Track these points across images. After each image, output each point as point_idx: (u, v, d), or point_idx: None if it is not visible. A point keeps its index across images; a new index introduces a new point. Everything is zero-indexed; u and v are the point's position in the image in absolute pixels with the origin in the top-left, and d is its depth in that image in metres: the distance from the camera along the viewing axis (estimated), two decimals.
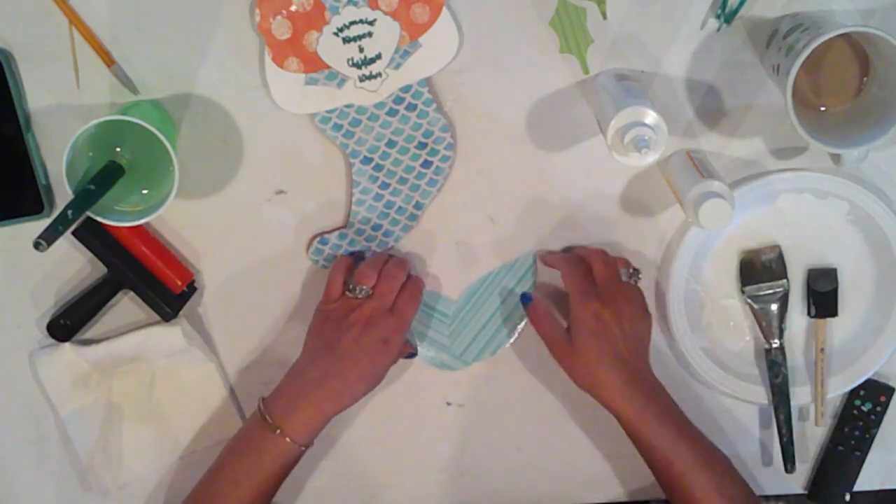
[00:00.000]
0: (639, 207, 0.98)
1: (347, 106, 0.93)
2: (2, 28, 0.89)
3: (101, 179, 0.84)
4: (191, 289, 0.97)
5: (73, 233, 0.93)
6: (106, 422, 0.99)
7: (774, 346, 0.99)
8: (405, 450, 1.04)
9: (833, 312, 1.00)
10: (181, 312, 0.97)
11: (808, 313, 1.01)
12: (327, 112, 0.93)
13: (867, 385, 1.02)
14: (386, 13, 0.89)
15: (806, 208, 0.97)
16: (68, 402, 0.98)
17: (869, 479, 1.05)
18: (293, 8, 0.88)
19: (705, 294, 1.00)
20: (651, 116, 0.83)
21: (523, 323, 0.99)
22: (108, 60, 0.90)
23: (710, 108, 0.95)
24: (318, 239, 0.97)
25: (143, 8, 0.90)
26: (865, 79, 0.90)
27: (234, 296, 0.99)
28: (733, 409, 1.04)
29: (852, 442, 1.03)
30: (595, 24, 0.92)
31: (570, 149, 0.96)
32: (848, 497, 1.05)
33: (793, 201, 0.97)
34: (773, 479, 1.05)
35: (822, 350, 1.00)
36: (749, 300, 0.99)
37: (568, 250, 0.98)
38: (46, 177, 0.93)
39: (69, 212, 0.81)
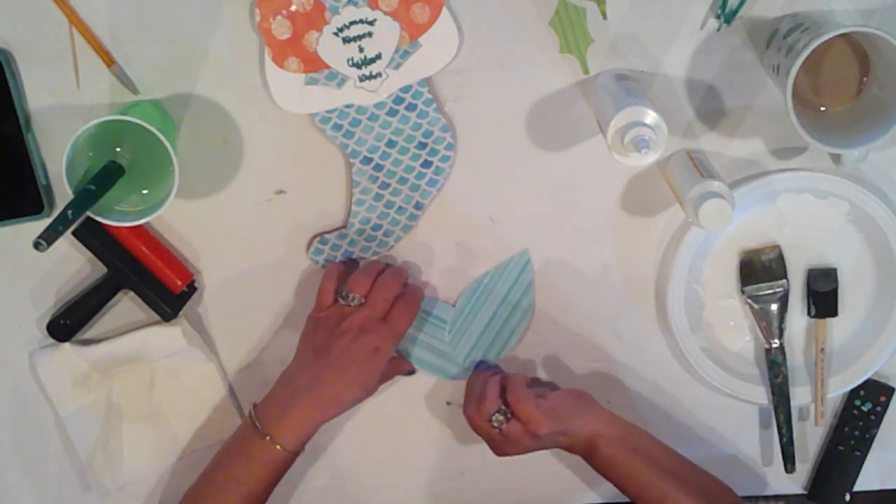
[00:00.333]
0: (639, 207, 0.98)
1: (347, 106, 0.93)
2: (2, 28, 0.89)
3: (101, 179, 0.84)
4: (191, 289, 0.97)
5: (73, 233, 0.93)
6: (106, 422, 0.99)
7: (774, 346, 0.99)
8: (405, 449, 1.04)
9: (833, 312, 1.00)
10: (181, 312, 0.97)
11: (808, 313, 1.00)
12: (327, 112, 0.93)
13: (867, 385, 1.02)
14: (386, 13, 0.89)
15: (806, 208, 0.97)
16: (68, 402, 0.98)
17: (869, 479, 1.05)
18: (293, 8, 0.88)
19: (705, 294, 1.00)
20: (651, 116, 0.83)
21: (524, 325, 0.99)
22: (108, 60, 0.90)
23: (710, 108, 0.95)
24: (318, 239, 0.97)
25: (143, 8, 0.90)
26: (865, 79, 0.90)
27: (233, 296, 0.98)
28: (733, 409, 1.04)
29: (852, 442, 1.03)
30: (595, 24, 0.92)
31: (570, 149, 0.96)
32: (848, 497, 1.05)
33: (793, 201, 0.97)
34: (773, 479, 1.05)
35: (822, 350, 1.00)
36: (749, 300, 0.99)
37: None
38: (46, 177, 0.93)
39: (69, 212, 0.81)
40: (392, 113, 0.93)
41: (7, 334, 0.98)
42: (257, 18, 0.88)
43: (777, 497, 1.06)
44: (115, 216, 0.87)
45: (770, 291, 0.99)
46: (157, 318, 0.97)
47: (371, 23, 0.90)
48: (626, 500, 1.05)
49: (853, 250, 0.99)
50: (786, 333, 0.99)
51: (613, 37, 0.92)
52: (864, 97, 0.90)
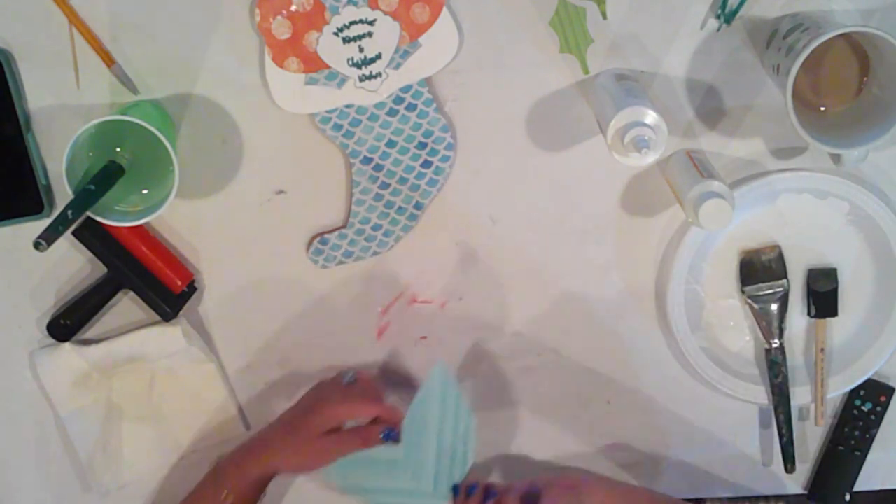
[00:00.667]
0: (639, 207, 0.98)
1: (347, 106, 0.93)
2: (2, 28, 0.89)
3: (101, 179, 0.84)
4: (191, 289, 0.97)
5: (73, 233, 0.93)
6: (106, 422, 0.99)
7: (774, 346, 0.99)
8: None
9: (833, 312, 1.00)
10: (181, 312, 0.97)
11: (808, 313, 1.01)
12: (327, 112, 0.93)
13: (867, 385, 1.02)
14: (386, 13, 0.89)
15: (806, 208, 0.97)
16: (68, 402, 0.98)
17: (869, 479, 1.05)
18: (293, 8, 0.88)
19: (705, 294, 1.00)
20: (651, 116, 0.83)
21: (471, 436, 0.94)
22: (108, 60, 0.90)
23: (710, 108, 0.95)
24: (318, 239, 0.97)
25: (143, 8, 0.90)
26: (865, 79, 0.90)
27: (233, 295, 0.99)
28: (733, 409, 1.04)
29: (852, 442, 1.03)
30: (595, 24, 0.92)
31: (570, 149, 0.96)
32: (848, 497, 1.05)
33: (793, 201, 0.97)
34: (773, 479, 1.05)
35: (822, 350, 1.00)
36: (749, 300, 0.99)
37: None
38: (46, 177, 0.93)
39: (69, 212, 0.81)
40: (392, 113, 0.93)
41: (7, 334, 0.98)
42: (257, 18, 0.88)
43: (777, 497, 1.06)
44: (115, 216, 0.87)
45: (770, 291, 0.99)
46: (157, 318, 0.97)
47: (371, 23, 0.90)
48: None
49: (853, 250, 0.99)
50: (786, 333, 0.99)
51: (613, 37, 0.92)
52: (864, 97, 0.90)
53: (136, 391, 0.99)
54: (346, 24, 0.89)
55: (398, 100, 0.93)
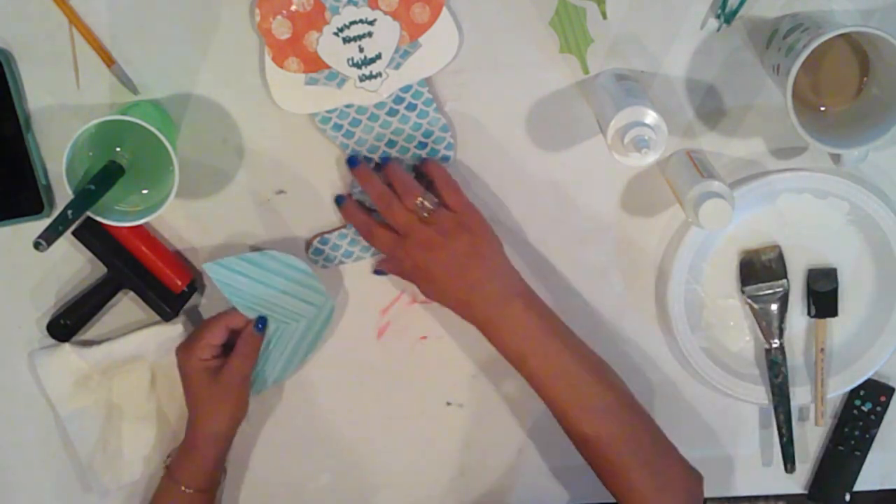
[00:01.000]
0: (639, 207, 0.98)
1: (347, 106, 0.92)
2: (2, 28, 0.89)
3: (101, 179, 0.84)
4: (191, 289, 0.97)
5: (73, 233, 0.93)
6: (106, 422, 0.99)
7: (774, 346, 0.99)
8: (405, 450, 1.04)
9: (833, 312, 1.00)
10: (181, 312, 0.97)
11: (808, 313, 1.01)
12: (327, 112, 0.92)
13: (867, 385, 1.02)
14: (386, 13, 0.89)
15: (806, 208, 0.97)
16: (68, 402, 0.98)
17: (869, 479, 1.05)
18: (293, 8, 0.88)
19: (705, 294, 1.00)
20: (651, 116, 0.83)
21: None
22: (108, 60, 0.90)
23: (710, 108, 0.95)
24: (318, 239, 0.97)
25: (143, 8, 0.90)
26: (865, 79, 0.90)
27: None
28: (733, 409, 1.04)
29: (852, 442, 1.03)
30: (595, 24, 0.92)
31: (570, 149, 0.96)
32: (848, 497, 1.05)
33: (793, 201, 0.97)
34: (773, 479, 1.05)
35: (822, 350, 1.00)
36: (749, 300, 0.99)
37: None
38: (46, 177, 0.93)
39: (69, 212, 0.81)
40: (392, 113, 0.93)
41: (7, 334, 0.98)
42: (257, 18, 0.88)
43: (777, 497, 1.06)
44: (115, 216, 0.87)
45: (770, 291, 0.99)
46: (157, 318, 0.97)
47: (371, 23, 0.90)
48: None
49: (853, 250, 0.99)
50: (786, 333, 0.99)
51: (613, 37, 0.92)
52: (864, 97, 0.90)
53: (136, 391, 0.99)
54: (347, 23, 0.89)
55: (398, 100, 0.93)
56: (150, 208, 0.87)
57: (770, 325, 0.99)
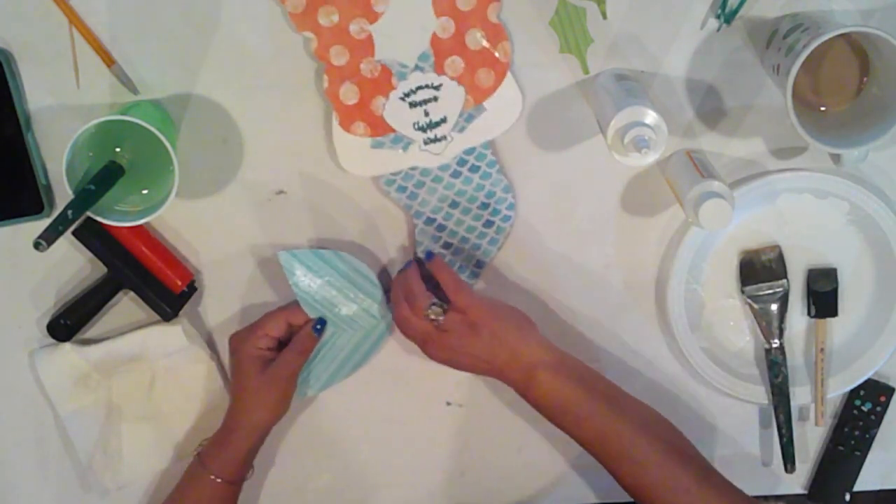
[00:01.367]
0: (639, 207, 0.98)
1: (412, 168, 0.93)
2: (2, 28, 0.89)
3: (101, 179, 0.84)
4: (191, 289, 0.97)
5: (73, 233, 0.93)
6: (106, 422, 0.99)
7: (774, 346, 0.99)
8: (405, 450, 1.04)
9: (833, 312, 1.00)
10: (181, 312, 0.97)
11: (808, 313, 1.01)
12: (392, 174, 0.93)
13: (867, 385, 1.02)
14: (451, 78, 0.90)
15: (806, 208, 0.97)
16: (68, 402, 0.98)
17: (869, 479, 1.05)
18: (361, 74, 0.89)
19: (705, 294, 1.00)
20: (651, 116, 0.83)
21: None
22: (108, 60, 0.90)
23: (710, 108, 0.95)
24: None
25: (143, 8, 0.90)
26: (865, 79, 0.90)
27: (233, 296, 0.99)
28: (733, 409, 1.04)
29: (852, 442, 1.03)
30: (595, 24, 0.92)
31: (570, 149, 0.96)
32: (848, 497, 1.05)
33: (793, 201, 0.97)
34: (773, 479, 1.05)
35: (822, 350, 1.00)
36: (749, 300, 0.99)
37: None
38: (46, 177, 0.93)
39: (69, 212, 0.81)
40: (456, 175, 0.94)
41: (7, 334, 0.98)
42: (325, 84, 0.89)
43: (777, 497, 1.06)
44: (115, 216, 0.87)
45: (770, 291, 0.99)
46: (157, 318, 0.97)
47: (437, 87, 0.90)
48: (627, 500, 1.05)
49: (853, 250, 0.99)
50: (786, 333, 0.99)
51: (613, 37, 0.92)
52: (864, 97, 0.90)
53: (136, 391, 0.99)
54: (413, 89, 0.90)
55: (462, 161, 0.93)
56: (150, 208, 0.87)
57: (770, 325, 0.99)
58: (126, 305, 0.98)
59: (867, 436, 1.03)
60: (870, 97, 0.89)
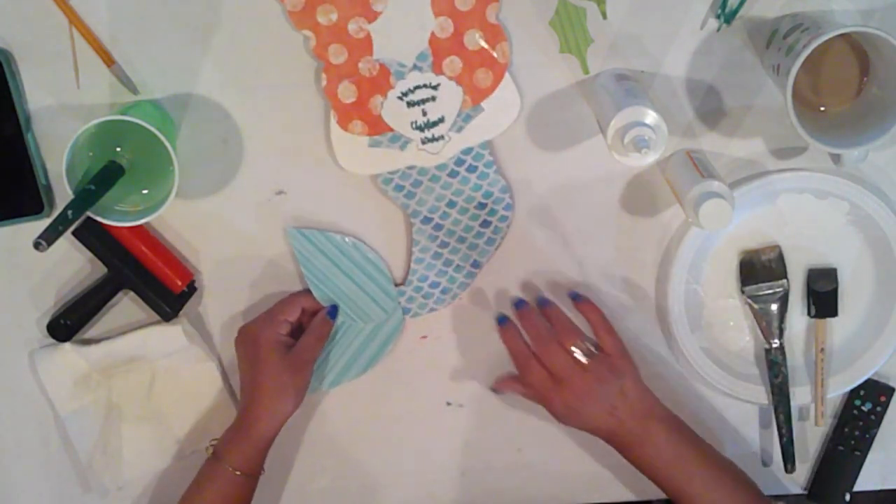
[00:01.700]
0: (639, 207, 0.98)
1: (409, 167, 0.93)
2: (2, 28, 0.89)
3: (101, 179, 0.84)
4: (191, 289, 0.97)
5: (73, 233, 0.93)
6: (106, 422, 0.99)
7: (774, 346, 0.99)
8: (405, 450, 1.04)
9: (833, 312, 1.00)
10: (181, 312, 0.97)
11: (808, 313, 1.00)
12: (389, 173, 0.93)
13: (867, 385, 1.02)
14: (450, 78, 0.90)
15: (806, 208, 0.97)
16: (68, 402, 0.98)
17: (869, 479, 1.05)
18: (359, 73, 0.89)
19: (705, 294, 1.00)
20: (651, 116, 0.83)
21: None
22: (108, 60, 0.90)
23: (710, 108, 0.95)
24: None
25: (143, 8, 0.90)
26: (865, 79, 0.90)
27: (233, 296, 0.99)
28: (733, 409, 1.04)
29: (852, 442, 1.03)
30: (595, 24, 0.92)
31: (570, 149, 0.96)
32: (848, 497, 1.05)
33: (793, 201, 0.97)
34: (773, 479, 1.05)
35: (822, 350, 1.00)
36: (749, 300, 0.99)
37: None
38: (46, 177, 0.93)
39: (69, 212, 0.81)
40: (453, 174, 0.94)
41: (7, 334, 0.98)
42: (324, 83, 0.89)
43: (777, 497, 1.06)
44: (115, 216, 0.87)
45: (770, 291, 0.99)
46: (157, 317, 0.97)
47: (435, 87, 0.90)
48: (627, 500, 1.05)
49: (853, 250, 0.99)
50: (786, 333, 0.99)
51: (613, 37, 0.92)
52: (864, 97, 0.90)
53: (136, 391, 0.99)
54: (411, 88, 0.90)
55: (459, 161, 0.93)
56: (150, 208, 0.87)
57: (770, 325, 0.99)
58: (126, 305, 0.98)
59: (867, 436, 1.03)
60: (870, 97, 0.89)
